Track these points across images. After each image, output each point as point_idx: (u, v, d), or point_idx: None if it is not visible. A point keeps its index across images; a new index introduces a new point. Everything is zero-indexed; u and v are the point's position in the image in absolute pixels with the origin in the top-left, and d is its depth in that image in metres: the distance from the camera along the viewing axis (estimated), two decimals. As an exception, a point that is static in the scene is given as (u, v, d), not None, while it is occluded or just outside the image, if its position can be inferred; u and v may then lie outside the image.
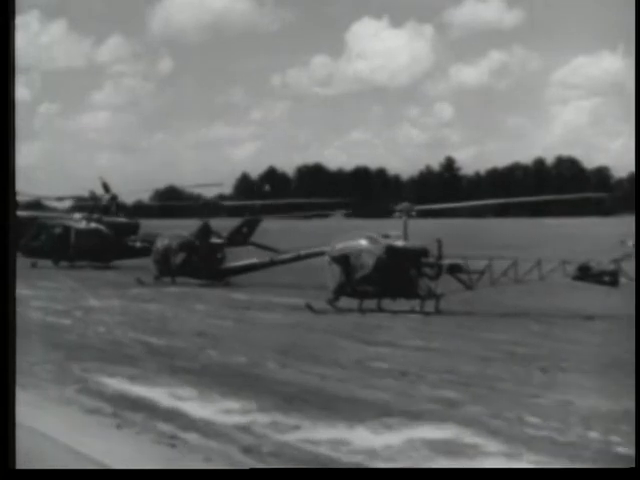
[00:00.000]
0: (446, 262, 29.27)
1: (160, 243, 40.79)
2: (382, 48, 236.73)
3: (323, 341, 22.34)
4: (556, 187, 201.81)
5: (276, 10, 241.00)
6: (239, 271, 39.83)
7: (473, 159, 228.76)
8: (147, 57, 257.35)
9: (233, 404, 14.72)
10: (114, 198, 54.38)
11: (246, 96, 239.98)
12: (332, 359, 19.36)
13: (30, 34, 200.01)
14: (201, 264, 39.62)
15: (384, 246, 29.55)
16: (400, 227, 30.42)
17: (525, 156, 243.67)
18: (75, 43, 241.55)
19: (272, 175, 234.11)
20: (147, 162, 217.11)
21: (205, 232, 40.26)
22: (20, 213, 64.08)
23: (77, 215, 58.45)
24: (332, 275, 29.84)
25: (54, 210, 77.08)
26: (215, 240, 40.19)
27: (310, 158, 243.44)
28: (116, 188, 65.80)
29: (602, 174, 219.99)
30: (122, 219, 51.87)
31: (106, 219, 51.25)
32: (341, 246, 30.22)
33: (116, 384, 16.48)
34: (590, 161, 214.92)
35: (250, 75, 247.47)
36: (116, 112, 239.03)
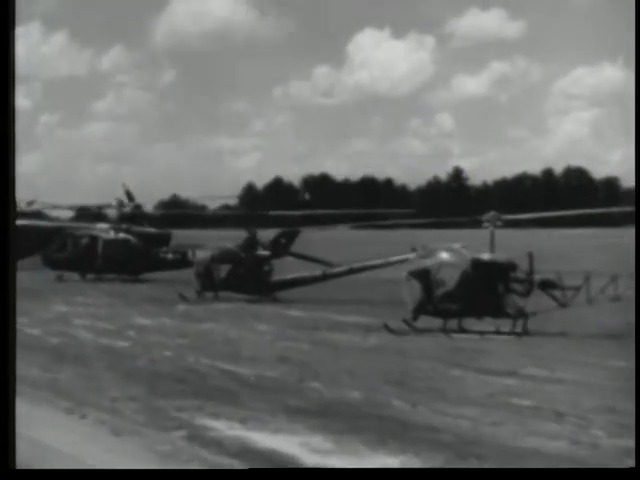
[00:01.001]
0: (538, 277, 26.50)
1: (202, 255, 37.96)
2: (384, 59, 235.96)
3: (431, 370, 19.46)
4: (565, 197, 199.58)
5: (278, 21, 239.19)
6: (288, 285, 37.01)
7: (474, 169, 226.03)
8: (149, 67, 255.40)
9: (390, 459, 11.88)
10: (138, 207, 51.62)
11: (248, 106, 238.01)
12: (459, 394, 16.53)
13: (32, 44, 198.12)
14: (247, 278, 36.76)
15: (470, 259, 26.74)
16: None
17: (525, 166, 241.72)
18: (77, 53, 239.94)
19: (278, 185, 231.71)
20: (148, 172, 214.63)
21: (251, 243, 37.42)
22: (43, 223, 61.57)
23: (103, 225, 55.88)
24: (410, 292, 27.00)
25: (56, 220, 73.91)
26: (262, 252, 37.32)
27: (311, 168, 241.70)
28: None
29: (611, 184, 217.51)
30: (152, 229, 49.01)
31: (135, 229, 48.41)
32: (421, 261, 27.43)
33: (228, 430, 13.62)
34: (592, 171, 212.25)
35: (252, 85, 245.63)
36: (117, 122, 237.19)
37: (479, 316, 26.49)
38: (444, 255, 27.21)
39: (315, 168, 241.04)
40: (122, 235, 47.99)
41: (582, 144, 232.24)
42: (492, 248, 27.31)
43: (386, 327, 26.06)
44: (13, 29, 9.25)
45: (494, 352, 22.37)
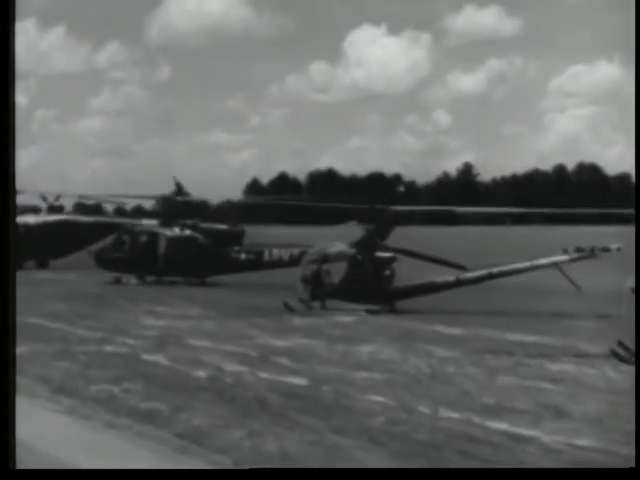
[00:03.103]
0: None
1: (310, 257, 31.82)
2: (380, 55, 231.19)
3: None
4: (577, 194, 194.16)
5: (274, 17, 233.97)
6: (413, 293, 30.95)
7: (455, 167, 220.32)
8: (145, 63, 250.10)
9: None
10: (188, 201, 45.42)
11: (244, 103, 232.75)
12: None
13: (28, 40, 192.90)
14: (366, 284, 30.64)
15: None
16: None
17: (522, 163, 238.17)
18: (73, 49, 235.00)
19: (283, 181, 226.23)
20: (143, 168, 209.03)
21: (370, 243, 31.27)
22: (83, 219, 55.35)
23: (149, 220, 49.98)
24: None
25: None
26: (382, 254, 31.15)
27: (307, 164, 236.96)
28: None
29: (624, 181, 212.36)
30: (222, 225, 42.79)
31: (203, 225, 42.20)
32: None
33: None
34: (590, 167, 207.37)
35: (248, 82, 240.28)
36: (113, 118, 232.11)
37: None
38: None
39: (311, 164, 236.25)
40: (188, 232, 41.77)
41: (578, 141, 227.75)
42: None
43: (614, 354, 19.96)
44: (13, 26, 8.75)
45: None
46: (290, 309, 30.14)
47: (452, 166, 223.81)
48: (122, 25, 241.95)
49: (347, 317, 28.86)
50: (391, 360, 19.92)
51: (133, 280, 41.90)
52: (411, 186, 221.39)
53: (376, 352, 21.20)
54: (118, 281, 41.11)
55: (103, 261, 41.88)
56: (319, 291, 30.78)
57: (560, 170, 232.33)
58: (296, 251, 41.13)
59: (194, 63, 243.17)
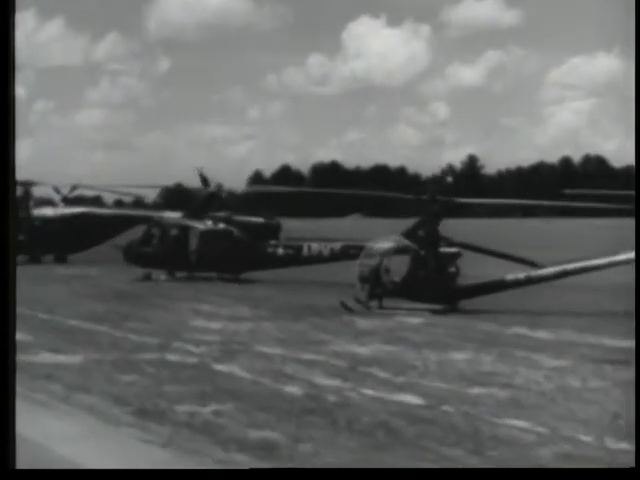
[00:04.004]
0: None
1: (367, 254, 29.41)
2: (379, 47, 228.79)
3: None
4: (584, 186, 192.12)
5: (273, 9, 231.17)
6: (481, 291, 28.56)
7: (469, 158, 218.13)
8: (144, 56, 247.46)
9: None
10: (217, 193, 42.88)
11: (242, 95, 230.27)
12: None
13: (27, 32, 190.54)
14: (430, 282, 28.24)
15: None
16: None
17: (521, 156, 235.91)
18: (72, 41, 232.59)
19: (286, 173, 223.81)
20: (142, 160, 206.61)
21: (433, 237, 28.84)
22: (104, 211, 52.90)
23: (171, 213, 47.69)
24: None
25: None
26: (446, 249, 28.73)
27: (305, 156, 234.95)
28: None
29: (631, 173, 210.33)
30: (258, 218, 40.33)
31: (237, 218, 39.73)
32: None
33: None
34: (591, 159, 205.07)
35: (246, 74, 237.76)
36: (112, 110, 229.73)
37: None
38: None
39: (309, 156, 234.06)
40: (222, 225, 39.30)
41: (578, 133, 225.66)
42: None
43: None
44: (13, 17, 8.54)
45: None
46: (348, 309, 27.75)
47: (451, 158, 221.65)
48: (121, 17, 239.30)
49: (413, 318, 26.47)
50: (499, 372, 17.51)
51: (162, 276, 39.47)
52: (415, 179, 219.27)
53: (474, 361, 18.80)
54: (148, 277, 38.68)
55: (132, 256, 39.42)
56: (378, 290, 28.36)
57: (566, 162, 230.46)
58: (337, 246, 38.75)
59: (193, 55, 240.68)
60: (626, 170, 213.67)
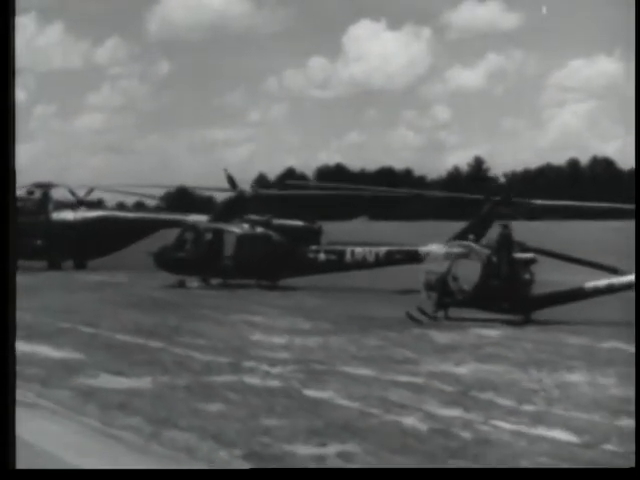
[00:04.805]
0: None
1: (433, 259, 27.13)
2: (379, 50, 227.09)
3: None
4: (592, 188, 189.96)
5: (273, 12, 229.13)
6: (557, 301, 26.24)
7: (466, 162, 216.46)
8: (144, 59, 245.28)
9: None
10: (255, 194, 40.48)
11: (242, 98, 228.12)
12: None
13: (27, 36, 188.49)
14: (503, 291, 25.93)
15: None
16: None
17: (522, 158, 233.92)
18: (72, 45, 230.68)
19: (291, 175, 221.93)
20: (143, 163, 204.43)
21: (506, 242, 26.52)
22: (127, 215, 50.52)
23: (197, 216, 45.65)
24: None
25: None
26: (521, 255, 26.41)
27: (306, 160, 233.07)
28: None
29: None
30: (298, 222, 37.99)
31: (276, 222, 37.40)
32: None
33: None
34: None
35: (247, 77, 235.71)
36: (112, 113, 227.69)
37: None
38: None
39: (310, 159, 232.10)
40: (260, 229, 36.97)
41: (578, 136, 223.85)
42: None
43: None
44: (13, 21, 8.66)
45: None
46: (415, 320, 25.47)
47: (451, 161, 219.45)
48: (121, 20, 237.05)
49: (490, 330, 24.17)
50: (632, 398, 15.18)
51: (195, 283, 37.16)
52: (421, 181, 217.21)
53: (595, 384, 16.48)
54: (182, 284, 36.39)
55: (164, 262, 37.11)
56: (447, 299, 26.06)
57: (573, 164, 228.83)
58: (382, 250, 36.46)
59: (193, 58, 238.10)
60: (634, 172, 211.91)
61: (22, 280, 41.96)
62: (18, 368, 17.63)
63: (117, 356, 19.20)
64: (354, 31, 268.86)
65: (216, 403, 14.45)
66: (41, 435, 12.27)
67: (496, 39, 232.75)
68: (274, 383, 16.29)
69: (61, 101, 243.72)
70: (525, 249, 26.55)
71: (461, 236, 35.83)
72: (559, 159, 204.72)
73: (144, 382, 16.26)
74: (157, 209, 63.54)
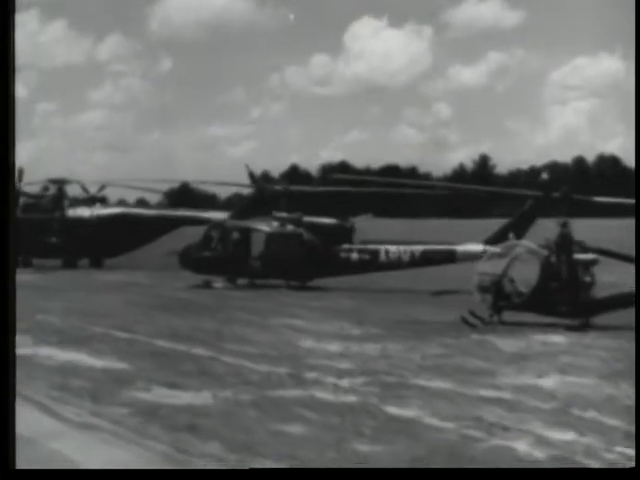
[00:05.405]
0: None
1: (489, 258, 25.52)
2: (381, 48, 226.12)
3: None
4: (598, 186, 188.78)
5: (275, 9, 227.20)
6: (618, 304, 24.61)
7: (472, 159, 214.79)
8: (146, 56, 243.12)
9: None
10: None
11: (244, 95, 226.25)
12: None
13: (30, 32, 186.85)
14: (563, 293, 24.32)
15: None
16: None
17: (523, 156, 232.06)
18: (74, 42, 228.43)
19: (295, 173, 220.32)
20: (144, 160, 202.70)
21: (566, 242, 24.90)
22: (146, 212, 48.85)
23: (217, 213, 44.28)
24: None
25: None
26: (581, 255, 24.78)
27: (308, 157, 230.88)
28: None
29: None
30: (330, 220, 36.35)
31: (307, 219, 35.74)
32: None
33: None
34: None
35: (249, 74, 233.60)
36: (114, 111, 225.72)
37: None
38: None
39: (312, 156, 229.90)
40: (291, 228, 35.33)
41: (580, 134, 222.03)
42: None
43: None
44: (13, 17, 8.94)
45: None
46: (469, 325, 23.87)
47: (454, 159, 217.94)
48: (124, 18, 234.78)
49: (552, 336, 22.58)
50: None
51: (219, 283, 35.53)
52: (427, 178, 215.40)
53: None
54: (208, 285, 34.79)
55: (189, 261, 35.49)
56: (503, 302, 24.46)
57: (580, 162, 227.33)
58: (418, 249, 34.89)
59: (195, 56, 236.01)
60: (634, 170, 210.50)
61: (39, 280, 40.30)
62: (62, 380, 16.14)
63: (163, 365, 17.59)
64: (356, 29, 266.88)
65: (295, 424, 12.84)
66: (109, 465, 10.66)
67: (498, 37, 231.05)
68: (349, 399, 14.68)
69: (63, 98, 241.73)
70: (585, 249, 24.93)
71: (501, 235, 34.33)
72: (560, 156, 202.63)
73: (204, 397, 14.64)
74: (173, 206, 61.87)
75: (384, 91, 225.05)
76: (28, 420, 12.98)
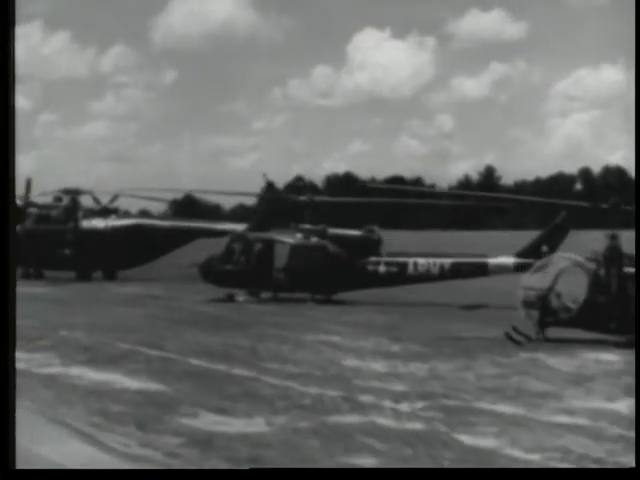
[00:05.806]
0: None
1: (535, 272, 24.38)
2: (384, 59, 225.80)
3: None
4: (604, 197, 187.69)
5: (278, 21, 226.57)
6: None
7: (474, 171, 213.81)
8: (149, 67, 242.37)
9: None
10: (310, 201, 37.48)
11: (247, 107, 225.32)
12: None
13: (32, 44, 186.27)
14: (613, 308, 23.18)
15: None
16: None
17: (527, 167, 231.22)
18: (77, 53, 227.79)
19: (300, 184, 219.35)
20: (147, 171, 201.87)
21: (616, 255, 23.76)
22: (161, 223, 47.72)
23: (233, 224, 43.38)
24: None
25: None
26: (631, 269, 23.63)
27: (311, 168, 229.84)
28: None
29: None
30: (355, 232, 35.22)
31: (332, 231, 34.62)
32: None
33: None
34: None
35: (252, 86, 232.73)
36: (117, 122, 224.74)
37: None
38: None
39: (315, 168, 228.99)
40: (315, 239, 34.18)
41: (582, 145, 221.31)
42: None
43: None
44: (13, 29, 8.92)
45: None
46: (514, 341, 22.77)
47: (457, 169, 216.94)
48: (127, 29, 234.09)
49: (604, 354, 21.47)
50: None
51: (242, 297, 34.40)
52: (432, 189, 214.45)
53: None
54: (231, 298, 33.67)
55: (210, 274, 34.35)
56: (550, 318, 23.33)
57: (586, 173, 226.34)
58: (447, 262, 33.77)
59: (198, 67, 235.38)
60: (634, 179, 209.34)
61: (54, 292, 39.01)
62: (100, 405, 15.00)
63: (204, 387, 16.46)
64: (359, 40, 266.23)
65: (365, 456, 11.70)
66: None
67: (501, 48, 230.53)
68: (415, 426, 13.54)
69: (66, 109, 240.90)
70: (635, 262, 23.78)
71: (533, 247, 33.28)
72: (565, 168, 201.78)
73: (258, 424, 13.49)
74: (188, 217, 60.74)
75: (387, 102, 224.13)
76: (69, 450, 11.89)
